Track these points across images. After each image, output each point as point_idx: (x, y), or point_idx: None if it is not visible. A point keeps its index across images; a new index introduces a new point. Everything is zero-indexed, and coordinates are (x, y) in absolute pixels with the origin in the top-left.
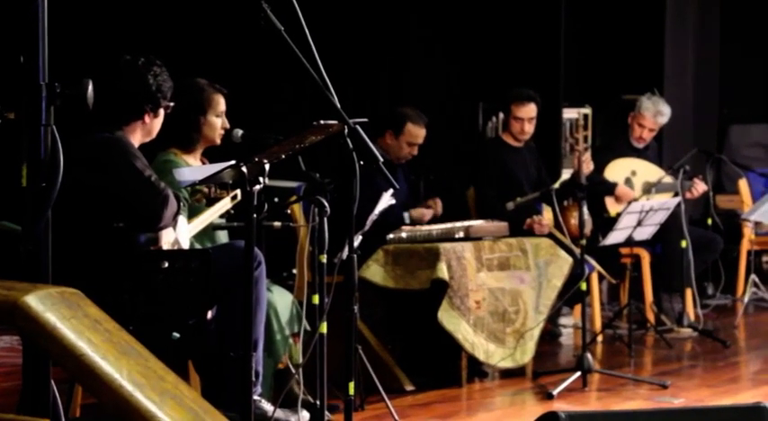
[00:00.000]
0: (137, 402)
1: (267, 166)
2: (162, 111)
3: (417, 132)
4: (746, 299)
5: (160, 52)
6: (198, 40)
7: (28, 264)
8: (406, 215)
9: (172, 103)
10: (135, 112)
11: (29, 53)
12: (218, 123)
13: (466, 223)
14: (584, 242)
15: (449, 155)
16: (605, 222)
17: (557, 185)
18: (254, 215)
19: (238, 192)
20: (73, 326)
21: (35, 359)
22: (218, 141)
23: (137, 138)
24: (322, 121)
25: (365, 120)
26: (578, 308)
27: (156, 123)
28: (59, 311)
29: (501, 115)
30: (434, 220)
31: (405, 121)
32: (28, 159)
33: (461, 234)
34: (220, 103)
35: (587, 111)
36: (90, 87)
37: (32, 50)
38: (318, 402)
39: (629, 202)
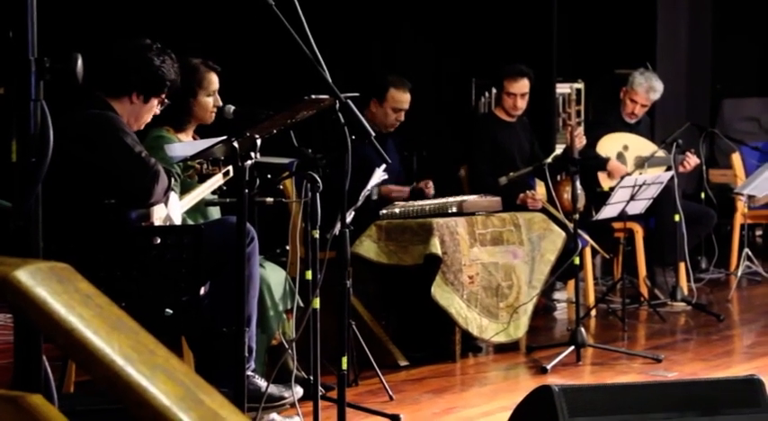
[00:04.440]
0: (128, 376)
1: (258, 142)
2: (153, 103)
3: (401, 97)
4: (740, 272)
5: (150, 27)
6: (188, 15)
7: (18, 240)
8: (374, 190)
9: (167, 102)
10: (124, 86)
11: (18, 28)
12: (209, 103)
13: (459, 198)
14: (577, 216)
15: (442, 131)
16: (598, 197)
17: (549, 160)
18: (246, 191)
19: (230, 168)
20: (63, 300)
21: (27, 335)
22: (210, 120)
23: (125, 117)
24: (313, 96)
25: (356, 94)
26: (572, 282)
27: (143, 111)
28: (50, 286)
29: (494, 91)
30: (426, 194)
31: (387, 87)
32: (17, 135)
33: (454, 209)
34: (213, 82)
35: (580, 85)
36: (80, 62)
37: (21, 25)
38: (312, 378)
39: (622, 177)
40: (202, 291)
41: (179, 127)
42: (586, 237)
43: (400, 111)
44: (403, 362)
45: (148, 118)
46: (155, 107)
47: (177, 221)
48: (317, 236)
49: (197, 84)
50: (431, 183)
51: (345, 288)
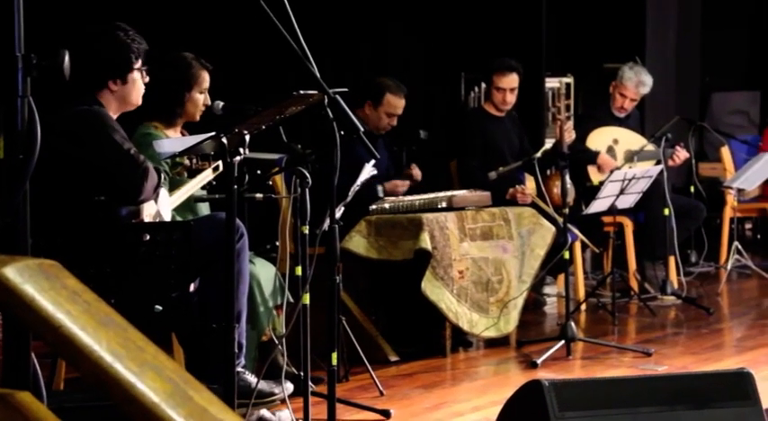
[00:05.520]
0: (116, 373)
1: (247, 137)
2: (134, 77)
3: (396, 103)
4: (729, 266)
5: (139, 24)
6: (176, 11)
7: (6, 237)
8: (379, 188)
9: (145, 67)
10: (97, 82)
11: (4, 24)
12: (200, 100)
13: (448, 193)
14: (566, 211)
15: (431, 125)
16: (588, 191)
17: (539, 155)
18: (236, 187)
19: (220, 163)
20: (51, 297)
21: (15, 332)
22: (198, 118)
23: (113, 108)
24: (302, 91)
25: (345, 90)
26: (562, 277)
27: (128, 90)
28: (38, 283)
29: (483, 85)
30: (415, 189)
31: (384, 92)
32: (5, 131)
33: (444, 204)
34: (206, 80)
35: (569, 80)
36: (66, 58)
37: (8, 22)
38: (302, 373)
39: (612, 171)
40: (192, 287)
41: (169, 121)
42: (576, 231)
43: (394, 117)
44: (393, 358)
45: (140, 90)
46: (138, 79)
47: (167, 218)
48: (307, 231)
49: (192, 79)
50: (414, 166)
51: (335, 283)
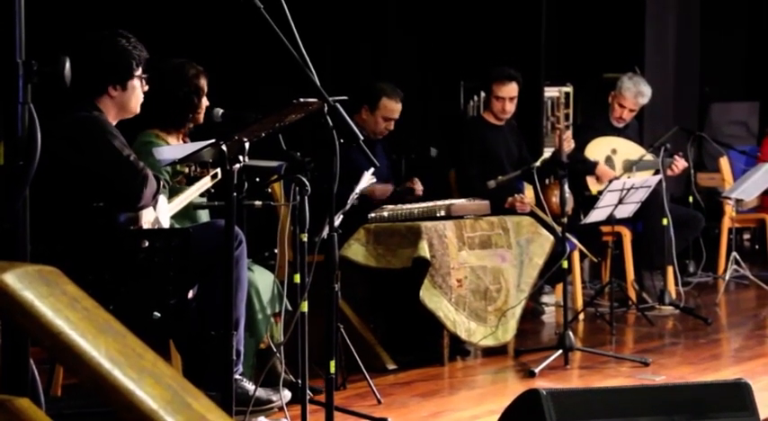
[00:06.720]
0: (115, 380)
1: (247, 145)
2: (134, 84)
3: (393, 107)
4: (727, 276)
5: (139, 30)
6: (176, 17)
7: (5, 243)
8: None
9: (145, 75)
10: (97, 88)
11: (5, 31)
12: (205, 104)
13: (447, 202)
14: (565, 220)
15: (430, 134)
16: (586, 200)
17: (538, 164)
18: (235, 194)
19: (219, 171)
20: (51, 304)
21: (14, 338)
22: (201, 120)
23: (112, 114)
24: (301, 99)
25: (345, 97)
26: (560, 286)
27: (128, 96)
28: (37, 289)
29: (482, 94)
30: (415, 200)
31: (380, 96)
32: (5, 137)
33: (443, 212)
34: (206, 83)
35: (568, 89)
36: (67, 65)
37: (9, 28)
38: (300, 381)
39: (611, 181)
40: (190, 294)
41: (179, 127)
42: (575, 240)
43: (390, 121)
44: (391, 366)
45: (139, 98)
46: (137, 87)
47: (166, 224)
48: (306, 239)
49: (202, 86)
50: (417, 180)
51: (334, 291)
